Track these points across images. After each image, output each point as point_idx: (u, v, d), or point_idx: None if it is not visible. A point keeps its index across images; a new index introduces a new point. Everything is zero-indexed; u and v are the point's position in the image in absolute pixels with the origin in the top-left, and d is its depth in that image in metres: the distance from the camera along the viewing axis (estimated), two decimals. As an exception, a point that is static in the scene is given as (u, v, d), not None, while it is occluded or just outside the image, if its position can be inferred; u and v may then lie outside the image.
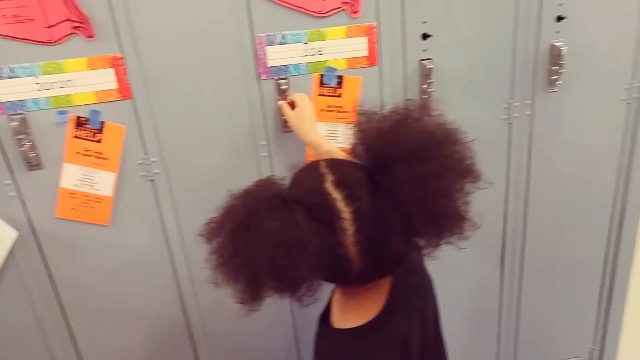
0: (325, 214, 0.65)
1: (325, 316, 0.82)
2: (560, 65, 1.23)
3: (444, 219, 0.68)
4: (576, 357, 1.63)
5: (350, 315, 0.76)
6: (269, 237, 0.63)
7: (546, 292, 1.52)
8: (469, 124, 1.20)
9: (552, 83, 1.26)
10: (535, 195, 1.38)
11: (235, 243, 0.65)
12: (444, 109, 0.73)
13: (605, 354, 1.63)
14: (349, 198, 0.65)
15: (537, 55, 1.23)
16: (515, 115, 1.28)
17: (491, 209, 1.36)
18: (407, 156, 0.66)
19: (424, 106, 0.74)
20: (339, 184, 0.67)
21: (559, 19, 1.21)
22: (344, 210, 0.65)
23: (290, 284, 0.65)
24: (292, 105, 1.09)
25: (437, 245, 0.70)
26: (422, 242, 0.70)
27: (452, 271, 1.37)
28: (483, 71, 1.22)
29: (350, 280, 0.71)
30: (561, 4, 1.19)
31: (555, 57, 1.23)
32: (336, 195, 0.66)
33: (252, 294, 0.67)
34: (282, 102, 1.10)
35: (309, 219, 0.63)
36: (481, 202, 1.33)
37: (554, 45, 1.22)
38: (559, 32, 1.22)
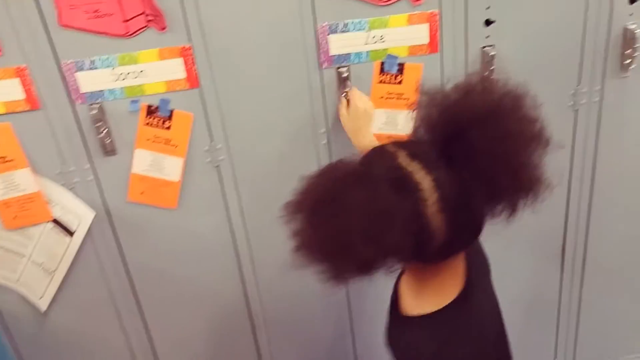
0: (405, 187, 0.64)
1: (393, 308, 0.82)
2: (634, 49, 1.17)
3: (523, 179, 0.67)
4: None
5: (427, 299, 0.75)
6: (356, 206, 0.61)
7: (608, 289, 1.46)
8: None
9: (624, 68, 1.20)
10: (601, 187, 1.33)
11: (321, 215, 0.64)
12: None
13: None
14: (427, 168, 0.65)
15: (609, 39, 1.18)
16: (582, 102, 1.23)
17: (552, 201, 1.32)
18: (479, 122, 0.65)
19: (486, 78, 0.72)
20: (413, 157, 0.66)
21: (632, 1, 1.15)
22: (423, 180, 0.64)
23: (378, 257, 0.64)
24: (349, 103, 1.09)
25: (514, 208, 0.69)
26: (500, 207, 0.70)
27: (511, 265, 1.35)
28: (549, 57, 1.18)
29: (433, 254, 0.69)
30: (636, -15, 1.13)
31: (628, 40, 1.17)
32: (412, 167, 0.65)
33: (337, 272, 0.67)
34: (342, 99, 1.09)
35: (391, 192, 0.63)
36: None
37: (627, 28, 1.17)
38: (632, 14, 1.16)
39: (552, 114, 1.19)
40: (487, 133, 0.65)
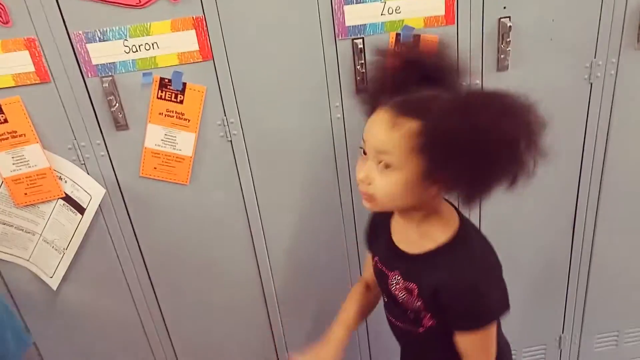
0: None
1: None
2: (652, 20, 1.16)
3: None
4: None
5: (440, 229, 0.87)
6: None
7: (615, 261, 1.47)
8: (548, 83, 1.18)
9: (640, 40, 1.19)
10: (613, 165, 1.32)
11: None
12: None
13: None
14: None
15: (625, 12, 1.16)
16: (597, 75, 1.22)
17: (564, 176, 1.33)
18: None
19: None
20: None
21: (651, -27, 1.13)
22: None
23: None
24: None
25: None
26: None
27: (524, 233, 1.36)
28: (566, 29, 1.16)
29: None
30: (656, -45, 1.12)
31: (646, 12, 1.16)
32: None
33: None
34: None
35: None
36: (554, 168, 1.31)
37: (645, 0, 1.15)
38: (651, -15, 1.14)
39: (568, 86, 1.22)
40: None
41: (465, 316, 0.85)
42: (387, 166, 0.80)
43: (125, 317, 1.34)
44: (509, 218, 1.34)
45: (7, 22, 0.98)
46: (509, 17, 1.13)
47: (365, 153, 0.83)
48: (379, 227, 0.98)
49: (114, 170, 1.16)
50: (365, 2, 1.07)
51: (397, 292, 0.91)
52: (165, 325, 1.38)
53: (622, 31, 1.18)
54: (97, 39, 1.02)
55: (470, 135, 0.72)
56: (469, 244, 0.87)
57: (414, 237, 0.89)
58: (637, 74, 1.23)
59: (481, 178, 0.77)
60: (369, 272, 1.05)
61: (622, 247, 1.44)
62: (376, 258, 0.97)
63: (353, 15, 1.08)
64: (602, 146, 1.30)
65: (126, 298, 1.31)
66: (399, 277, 0.90)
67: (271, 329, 1.41)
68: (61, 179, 1.14)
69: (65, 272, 1.23)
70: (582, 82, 1.23)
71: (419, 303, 0.89)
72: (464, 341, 0.88)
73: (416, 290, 0.88)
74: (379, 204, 0.84)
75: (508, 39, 1.14)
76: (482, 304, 0.85)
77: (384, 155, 0.79)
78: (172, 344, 1.41)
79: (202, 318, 1.37)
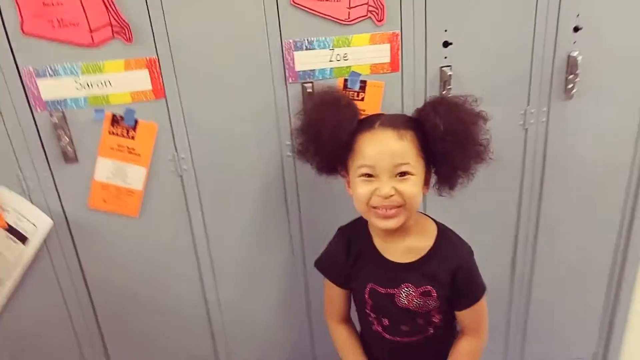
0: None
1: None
2: (576, 75, 1.26)
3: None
4: (579, 358, 1.68)
5: (428, 226, 1.05)
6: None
7: (553, 296, 1.56)
8: (487, 127, 1.26)
9: (568, 92, 1.29)
10: (548, 198, 1.42)
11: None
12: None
13: (608, 358, 1.68)
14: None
15: (554, 64, 1.27)
16: (531, 121, 1.32)
17: (504, 210, 1.41)
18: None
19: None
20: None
21: (576, 29, 1.24)
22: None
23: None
24: None
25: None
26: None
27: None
28: (501, 79, 1.26)
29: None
30: (578, 15, 1.22)
31: (571, 66, 1.26)
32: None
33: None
34: None
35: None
36: (495, 202, 1.38)
37: (570, 56, 1.26)
38: (575, 42, 1.25)
39: (505, 131, 1.31)
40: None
41: (475, 289, 1.04)
42: (403, 174, 0.94)
43: (67, 348, 1.31)
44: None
45: (-45, 55, 0.98)
46: (450, 66, 1.21)
47: (370, 175, 0.95)
48: (358, 258, 1.05)
49: (60, 202, 1.16)
50: (314, 48, 1.13)
51: (410, 303, 1.02)
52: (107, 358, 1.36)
53: (551, 82, 1.29)
54: (48, 74, 1.03)
55: (459, 127, 0.94)
56: (449, 230, 1.07)
57: (412, 244, 1.02)
58: (566, 122, 1.33)
59: (470, 162, 0.98)
60: (342, 306, 1.13)
61: (557, 281, 1.53)
62: (369, 285, 1.04)
63: (302, 61, 1.13)
64: (539, 181, 1.40)
65: (68, 330, 1.29)
66: (410, 288, 1.02)
67: (217, 360, 1.42)
68: (5, 210, 1.13)
69: (6, 302, 1.21)
70: (518, 127, 1.33)
71: (435, 302, 1.02)
72: (473, 314, 1.05)
73: (434, 290, 1.01)
74: (408, 210, 0.97)
75: (449, 87, 1.22)
76: (479, 276, 1.05)
77: (402, 165, 0.94)
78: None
79: (148, 354, 1.36)
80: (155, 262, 1.25)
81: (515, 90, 1.28)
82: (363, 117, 1.02)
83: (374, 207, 0.96)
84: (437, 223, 1.07)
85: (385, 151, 0.93)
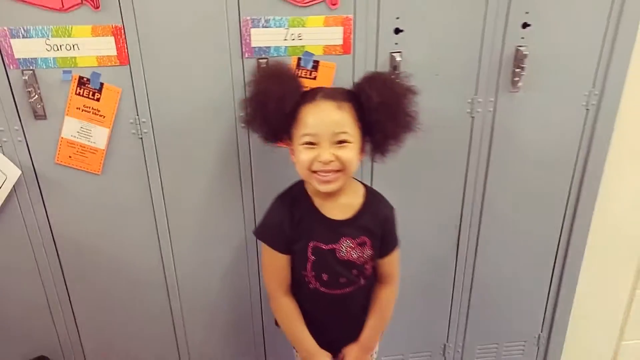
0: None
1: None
2: (522, 69, 1.34)
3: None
4: (524, 340, 1.76)
5: (357, 185, 1.20)
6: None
7: (498, 278, 1.64)
8: (434, 112, 1.34)
9: (514, 84, 1.37)
10: (493, 186, 1.49)
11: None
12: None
13: (551, 340, 1.75)
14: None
15: (502, 57, 1.34)
16: (478, 110, 1.39)
17: (450, 193, 1.49)
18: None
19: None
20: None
21: (525, 25, 1.31)
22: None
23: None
24: None
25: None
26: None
27: (411, 249, 1.50)
28: (450, 67, 1.33)
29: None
30: (527, 12, 1.30)
31: (519, 60, 1.33)
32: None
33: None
34: None
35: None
36: (441, 186, 1.46)
37: (518, 49, 1.33)
38: (523, 37, 1.32)
39: (452, 117, 1.39)
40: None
41: (394, 238, 1.21)
42: (342, 142, 1.05)
43: (33, 300, 1.42)
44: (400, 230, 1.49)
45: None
46: (400, 52, 1.29)
47: (312, 143, 1.05)
48: (301, 220, 1.14)
49: (30, 155, 1.26)
50: (271, 27, 1.21)
51: (349, 254, 1.15)
52: (72, 310, 1.46)
53: (499, 73, 1.36)
54: (21, 35, 1.13)
55: (391, 99, 1.06)
56: (373, 189, 1.23)
57: (347, 202, 1.15)
58: (512, 113, 1.41)
59: (400, 131, 1.10)
60: (286, 274, 1.19)
61: (501, 264, 1.61)
62: (312, 243, 1.14)
63: (259, 38, 1.22)
64: (484, 168, 1.47)
65: (36, 280, 1.39)
66: (349, 241, 1.14)
67: (173, 321, 1.52)
68: (-22, 160, 1.23)
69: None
70: (465, 115, 1.40)
71: (370, 251, 1.16)
72: (392, 260, 1.22)
73: (368, 240, 1.15)
74: (347, 174, 1.09)
75: (397, 72, 1.30)
76: (397, 230, 1.22)
77: (341, 133, 1.04)
78: (77, 329, 1.49)
79: (107, 305, 1.46)
80: (115, 217, 1.35)
81: (463, 79, 1.36)
82: (306, 90, 1.11)
83: (315, 172, 1.07)
84: (363, 183, 1.22)
85: (326, 121, 1.04)
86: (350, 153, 1.06)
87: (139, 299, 1.47)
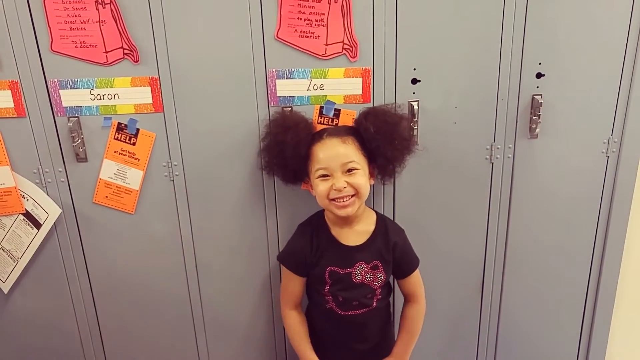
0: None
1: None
2: (539, 116, 1.37)
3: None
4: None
5: (369, 212, 1.32)
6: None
7: (524, 329, 1.61)
8: (453, 158, 1.37)
9: (532, 131, 1.40)
10: (515, 233, 1.50)
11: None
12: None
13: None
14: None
15: (518, 105, 1.37)
16: (497, 156, 1.42)
17: (472, 246, 1.51)
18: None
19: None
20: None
21: (539, 75, 1.35)
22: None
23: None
24: None
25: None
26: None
27: (435, 301, 1.50)
28: (467, 116, 1.37)
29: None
30: (540, 63, 1.34)
31: (535, 108, 1.37)
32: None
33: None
34: None
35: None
36: (463, 237, 1.47)
37: (534, 98, 1.36)
38: (538, 87, 1.36)
39: (472, 164, 1.42)
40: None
41: (410, 260, 1.32)
42: (351, 170, 1.19)
43: (65, 328, 1.49)
44: (427, 275, 1.44)
45: (-3, 66, 1.21)
46: (418, 101, 1.35)
47: (326, 175, 1.19)
48: (319, 247, 1.28)
49: (71, 194, 1.36)
50: (294, 78, 1.30)
51: (363, 278, 1.26)
52: (102, 342, 1.52)
53: (516, 121, 1.39)
54: (69, 86, 1.25)
55: (386, 127, 1.22)
56: (385, 216, 1.35)
57: (362, 229, 1.28)
58: (531, 160, 1.43)
59: (399, 154, 1.26)
60: (299, 293, 1.34)
61: (527, 305, 1.59)
62: (330, 268, 1.26)
63: (283, 88, 1.30)
64: (505, 214, 1.48)
65: (68, 309, 1.47)
66: (363, 265, 1.26)
67: (198, 356, 1.55)
68: (24, 197, 1.34)
69: (17, 278, 1.40)
70: (485, 161, 1.43)
71: (382, 275, 1.27)
72: (414, 280, 1.33)
73: (380, 264, 1.27)
74: (361, 198, 1.21)
75: (415, 119, 1.35)
76: (413, 251, 1.34)
77: (349, 162, 1.19)
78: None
79: (136, 337, 1.52)
80: (146, 254, 1.42)
81: (480, 127, 1.39)
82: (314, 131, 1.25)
83: (333, 200, 1.20)
84: (375, 211, 1.34)
85: (334, 154, 1.19)
86: (360, 178, 1.20)
87: (167, 335, 1.52)
